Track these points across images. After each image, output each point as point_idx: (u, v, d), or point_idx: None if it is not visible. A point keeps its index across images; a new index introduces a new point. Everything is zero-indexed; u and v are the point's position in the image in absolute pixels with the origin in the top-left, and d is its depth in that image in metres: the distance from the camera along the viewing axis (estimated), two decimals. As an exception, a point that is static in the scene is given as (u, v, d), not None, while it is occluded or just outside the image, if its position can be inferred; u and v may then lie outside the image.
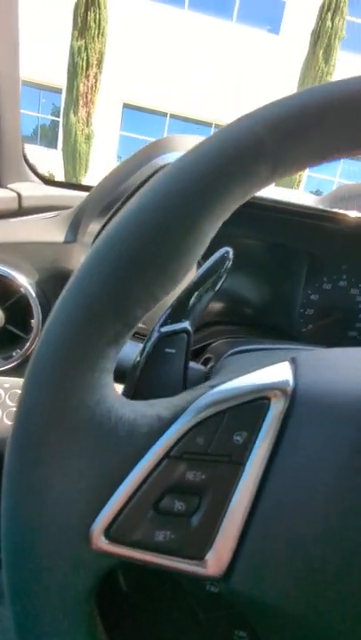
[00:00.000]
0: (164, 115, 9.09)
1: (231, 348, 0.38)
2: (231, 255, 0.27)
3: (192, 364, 0.37)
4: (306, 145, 0.19)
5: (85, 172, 7.98)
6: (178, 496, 0.18)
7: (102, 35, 7.41)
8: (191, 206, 0.17)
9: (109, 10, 7.38)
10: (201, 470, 0.18)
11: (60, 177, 8.09)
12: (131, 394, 0.24)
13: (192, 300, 0.26)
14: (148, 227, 0.17)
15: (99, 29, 7.35)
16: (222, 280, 0.26)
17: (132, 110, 9.00)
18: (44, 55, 8.06)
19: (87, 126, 7.79)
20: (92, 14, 7.22)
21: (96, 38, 7.36)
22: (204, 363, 0.41)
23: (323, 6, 7.66)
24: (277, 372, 0.22)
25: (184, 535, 0.18)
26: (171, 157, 0.37)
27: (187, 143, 0.39)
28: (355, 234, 0.52)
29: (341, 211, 0.46)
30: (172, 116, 9.09)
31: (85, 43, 7.32)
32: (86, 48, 7.33)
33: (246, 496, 0.19)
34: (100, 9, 7.25)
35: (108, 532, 0.18)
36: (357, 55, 8.89)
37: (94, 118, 7.82)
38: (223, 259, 0.27)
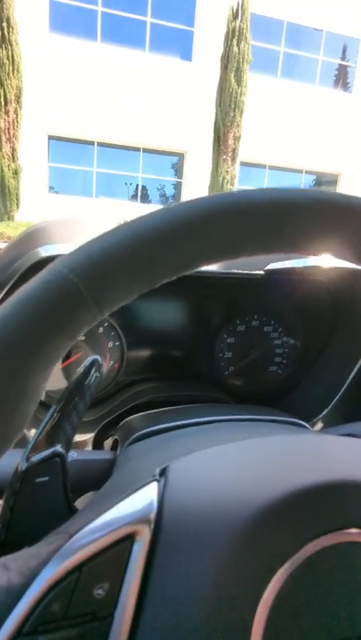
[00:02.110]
0: (92, 143, 9.15)
1: (139, 426, 0.38)
2: (100, 361, 0.27)
3: (98, 453, 0.36)
4: (126, 282, 0.19)
5: (17, 207, 7.78)
6: None
7: (17, 71, 7.37)
8: (13, 365, 0.17)
9: (23, 45, 7.37)
10: None
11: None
12: (1, 541, 0.22)
13: (61, 420, 0.25)
14: None
15: (13, 65, 7.30)
16: (92, 389, 0.26)
17: (58, 142, 8.97)
18: None
19: (13, 161, 7.63)
20: (5, 51, 7.18)
21: (11, 74, 7.30)
22: (115, 444, 0.40)
23: (227, 33, 8.19)
24: (142, 500, 0.21)
25: None
26: (51, 250, 0.37)
27: (64, 232, 0.39)
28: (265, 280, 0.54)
29: (251, 272, 0.49)
30: (100, 144, 9.18)
31: (0, 79, 7.23)
32: (2, 85, 7.24)
33: None
34: (11, 46, 7.23)
35: None
36: (266, 76, 9.57)
37: (20, 153, 7.69)
38: (91, 366, 0.26)
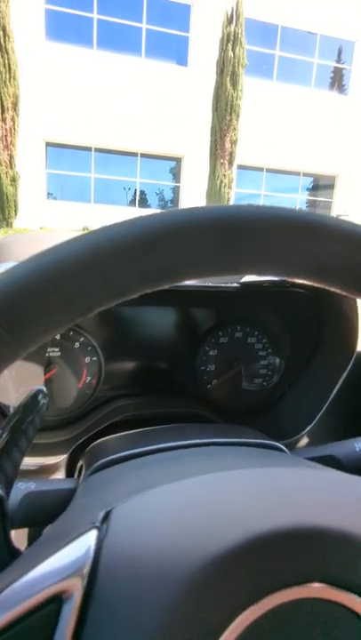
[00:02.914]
0: (89, 149, 9.18)
1: (104, 452, 0.36)
2: (46, 391, 0.25)
3: (59, 482, 0.34)
4: (52, 314, 0.17)
5: (15, 214, 7.79)
6: None
7: (14, 78, 7.41)
8: None
9: (20, 53, 7.41)
10: None
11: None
12: None
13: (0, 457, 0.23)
14: None
15: (10, 73, 7.34)
16: (36, 424, 0.24)
17: (56, 148, 9.00)
18: None
19: (11, 168, 7.66)
20: (1, 59, 7.22)
21: (8, 82, 7.35)
22: (81, 470, 0.38)
23: (223, 38, 8.22)
24: (76, 551, 0.19)
25: None
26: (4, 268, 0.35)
27: (25, 249, 0.37)
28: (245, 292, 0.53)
29: (226, 284, 0.47)
30: (97, 150, 9.20)
31: (-3, 87, 7.29)
32: (-1, 92, 7.30)
33: None
34: (8, 54, 7.27)
35: None
36: (261, 79, 9.60)
37: (18, 160, 7.72)
38: (35, 397, 0.24)
